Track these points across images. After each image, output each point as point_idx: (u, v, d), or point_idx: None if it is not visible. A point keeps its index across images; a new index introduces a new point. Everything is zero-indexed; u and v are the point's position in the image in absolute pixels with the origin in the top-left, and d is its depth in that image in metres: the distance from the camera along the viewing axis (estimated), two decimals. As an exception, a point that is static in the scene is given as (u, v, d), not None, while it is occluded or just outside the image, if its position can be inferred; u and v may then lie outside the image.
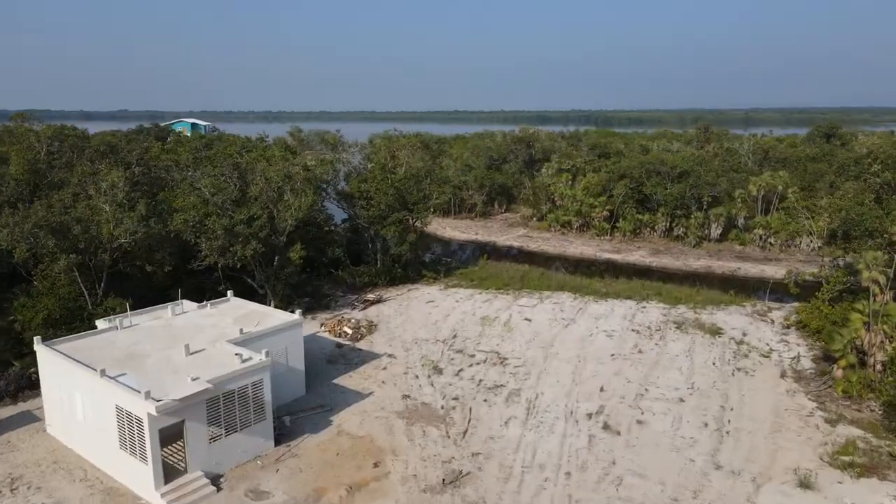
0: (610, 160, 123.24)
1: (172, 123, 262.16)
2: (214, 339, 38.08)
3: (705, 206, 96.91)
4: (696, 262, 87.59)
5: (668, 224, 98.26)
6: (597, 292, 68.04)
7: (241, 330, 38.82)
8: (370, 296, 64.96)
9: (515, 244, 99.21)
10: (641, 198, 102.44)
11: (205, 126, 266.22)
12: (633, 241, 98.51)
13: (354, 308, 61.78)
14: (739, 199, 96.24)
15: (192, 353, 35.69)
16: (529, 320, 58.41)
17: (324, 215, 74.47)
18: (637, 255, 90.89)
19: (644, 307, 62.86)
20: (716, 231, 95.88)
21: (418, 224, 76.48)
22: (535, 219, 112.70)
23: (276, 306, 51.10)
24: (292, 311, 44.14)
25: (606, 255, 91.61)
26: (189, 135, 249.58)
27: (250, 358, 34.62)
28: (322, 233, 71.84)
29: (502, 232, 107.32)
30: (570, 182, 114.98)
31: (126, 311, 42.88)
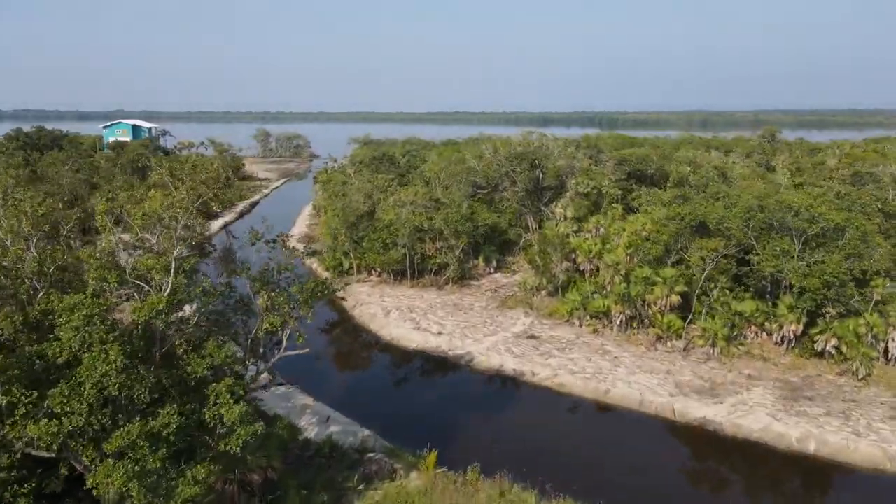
0: (665, 190, 75.88)
1: (108, 126, 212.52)
2: None
3: (872, 297, 48.75)
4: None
5: (798, 325, 50.07)
6: None
7: None
8: None
9: (509, 365, 50.67)
10: (740, 270, 54.45)
11: (150, 129, 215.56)
12: (731, 361, 50.27)
13: None
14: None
15: None
16: None
17: None
18: (761, 416, 42.49)
19: None
20: (898, 346, 47.86)
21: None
22: (544, 292, 64.60)
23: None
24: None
25: (694, 408, 43.31)
26: (129, 140, 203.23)
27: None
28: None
29: (488, 324, 59.07)
30: (600, 230, 66.98)
31: None
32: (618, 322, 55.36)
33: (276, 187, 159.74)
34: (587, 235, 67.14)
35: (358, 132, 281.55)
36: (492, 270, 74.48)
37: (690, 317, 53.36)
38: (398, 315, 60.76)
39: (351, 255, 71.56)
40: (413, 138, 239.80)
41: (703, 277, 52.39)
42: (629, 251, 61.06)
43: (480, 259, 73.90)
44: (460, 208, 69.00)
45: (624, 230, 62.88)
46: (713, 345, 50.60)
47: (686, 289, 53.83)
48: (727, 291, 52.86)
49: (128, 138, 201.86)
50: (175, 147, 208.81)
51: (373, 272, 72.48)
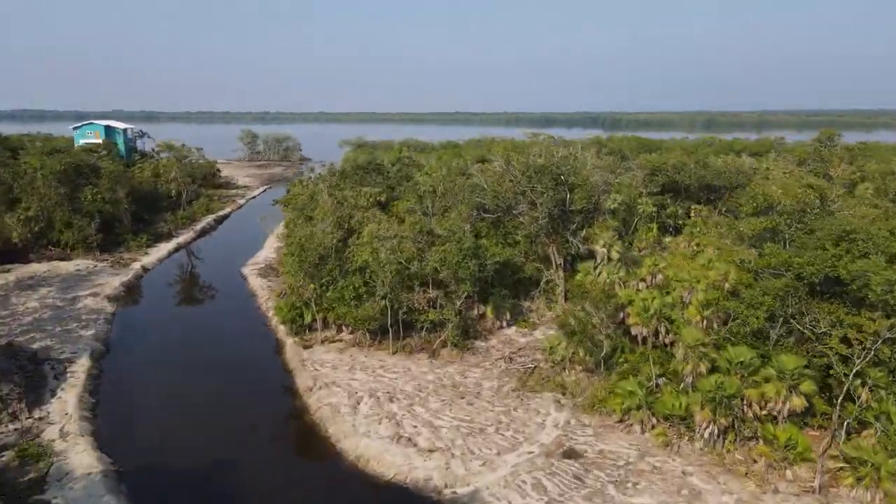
0: (713, 207, 56.94)
1: (78, 127, 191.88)
2: None
3: None
4: None
5: None
6: None
7: None
8: None
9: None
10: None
11: (125, 130, 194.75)
12: (908, 518, 30.41)
13: None
14: None
15: None
16: None
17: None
18: None
19: None
20: None
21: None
22: (581, 367, 44.69)
23: None
24: None
25: None
26: (101, 142, 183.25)
27: None
28: None
29: (504, 427, 39.10)
30: (657, 275, 47.14)
31: None
32: (705, 434, 35.51)
33: (255, 196, 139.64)
34: (640, 284, 47.20)
35: (357, 133, 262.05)
36: (504, 324, 54.67)
37: (829, 439, 33.49)
38: (371, 408, 40.79)
39: (313, 305, 51.84)
40: (410, 140, 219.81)
41: (851, 373, 32.47)
42: (706, 313, 41.34)
43: (488, 309, 54.08)
44: (462, 242, 49.09)
45: (697, 282, 42.93)
46: (875, 484, 30.75)
47: (815, 388, 34.07)
48: (890, 396, 33.03)
49: (100, 140, 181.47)
50: (153, 150, 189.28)
51: (343, 327, 52.74)
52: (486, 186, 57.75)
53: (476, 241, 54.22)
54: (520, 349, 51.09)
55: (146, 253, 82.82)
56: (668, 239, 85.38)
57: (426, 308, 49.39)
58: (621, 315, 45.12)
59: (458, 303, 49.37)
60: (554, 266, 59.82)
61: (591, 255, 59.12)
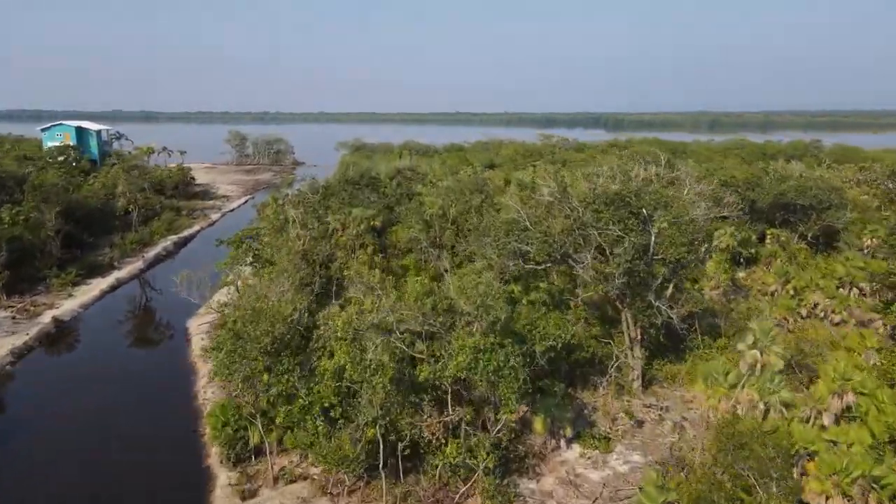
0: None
1: (47, 128, 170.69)
2: None
3: None
4: None
5: None
6: None
7: None
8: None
9: None
10: None
11: (99, 132, 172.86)
12: None
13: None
14: None
15: None
16: None
17: None
18: None
19: None
20: None
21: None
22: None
23: None
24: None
25: None
26: (72, 144, 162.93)
27: None
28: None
29: None
30: (849, 396, 26.67)
31: None
32: None
33: (233, 209, 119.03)
34: (809, 409, 27.00)
35: (357, 134, 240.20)
36: (560, 442, 34.50)
37: None
38: None
39: (259, 423, 31.68)
40: (411, 143, 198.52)
41: None
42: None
43: (537, 421, 33.76)
44: (499, 332, 28.91)
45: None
46: None
47: None
48: None
49: (70, 143, 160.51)
50: (129, 153, 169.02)
51: (307, 456, 32.53)
52: (529, 224, 37.42)
53: (513, 310, 34.04)
54: (590, 493, 31.02)
55: (70, 294, 62.59)
56: (740, 274, 65.48)
57: (442, 439, 29.18)
58: (795, 472, 24.92)
59: (498, 430, 29.20)
60: (627, 340, 39.71)
61: (689, 325, 39.04)
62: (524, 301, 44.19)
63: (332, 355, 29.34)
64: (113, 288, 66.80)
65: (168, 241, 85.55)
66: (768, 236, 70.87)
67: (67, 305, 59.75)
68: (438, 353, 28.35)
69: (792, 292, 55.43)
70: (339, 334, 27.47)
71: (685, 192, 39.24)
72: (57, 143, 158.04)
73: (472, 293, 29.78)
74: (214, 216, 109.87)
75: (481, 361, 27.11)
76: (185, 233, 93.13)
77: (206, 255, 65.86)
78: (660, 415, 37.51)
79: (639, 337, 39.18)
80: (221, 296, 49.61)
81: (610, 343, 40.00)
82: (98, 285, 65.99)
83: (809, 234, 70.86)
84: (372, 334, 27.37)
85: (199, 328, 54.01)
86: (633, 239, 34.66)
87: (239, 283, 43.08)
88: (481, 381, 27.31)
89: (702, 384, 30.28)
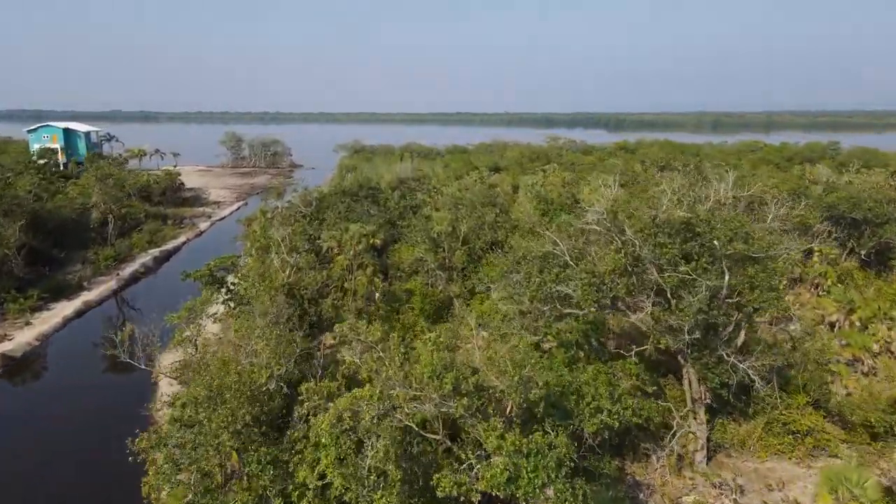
0: None
1: (33, 130, 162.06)
2: None
3: None
4: None
5: None
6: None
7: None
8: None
9: None
10: None
11: (87, 133, 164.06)
12: None
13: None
14: None
15: None
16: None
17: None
18: None
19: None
20: None
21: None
22: None
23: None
24: None
25: None
26: (59, 147, 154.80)
27: None
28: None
29: None
30: None
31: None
32: None
33: (223, 217, 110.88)
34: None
35: (357, 134, 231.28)
36: (616, 545, 26.56)
37: None
38: None
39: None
40: (413, 145, 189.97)
41: None
42: None
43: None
44: (542, 414, 20.94)
45: None
46: None
47: None
48: None
49: (58, 145, 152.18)
50: (120, 156, 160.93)
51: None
52: (569, 259, 29.36)
53: (561, 381, 26.02)
54: None
55: (28, 323, 54.51)
56: (787, 297, 57.40)
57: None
58: None
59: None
60: (689, 402, 31.77)
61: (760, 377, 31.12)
62: (549, 338, 36.35)
63: (316, 446, 21.37)
64: (79, 313, 58.66)
65: (148, 257, 77.41)
66: (815, 254, 62.86)
67: (21, 337, 51.71)
68: (464, 454, 20.37)
69: (858, 324, 47.55)
70: (323, 441, 19.49)
71: (769, 218, 31.23)
72: (45, 145, 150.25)
73: (503, 365, 21.83)
74: (203, 225, 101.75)
75: (525, 470, 19.18)
76: (170, 245, 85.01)
77: (196, 266, 53.94)
78: (735, 500, 29.57)
79: (704, 398, 31.21)
80: (176, 354, 41.18)
81: (667, 403, 32.00)
82: (62, 311, 57.89)
83: (863, 252, 62.82)
84: (368, 435, 19.45)
85: (171, 368, 45.92)
86: (708, 282, 26.65)
87: (199, 339, 34.88)
88: (524, 499, 19.37)
89: (828, 497, 22.36)
